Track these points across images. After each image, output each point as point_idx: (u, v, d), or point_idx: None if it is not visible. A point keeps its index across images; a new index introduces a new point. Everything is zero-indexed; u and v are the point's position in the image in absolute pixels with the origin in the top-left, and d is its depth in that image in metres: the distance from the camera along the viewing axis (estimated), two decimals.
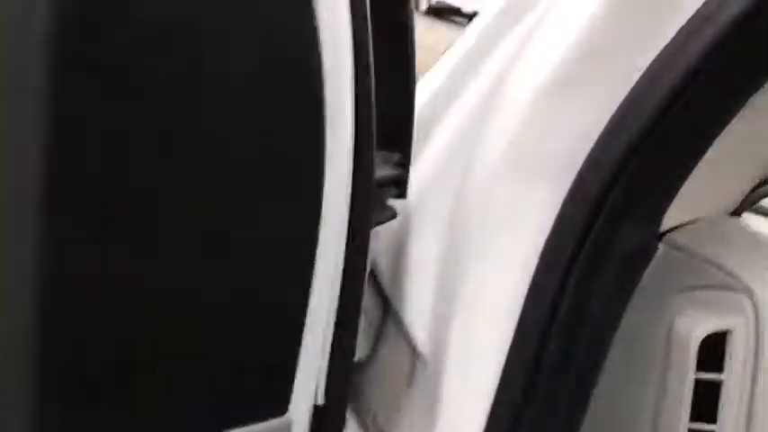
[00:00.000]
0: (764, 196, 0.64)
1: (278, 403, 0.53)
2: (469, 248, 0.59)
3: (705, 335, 0.56)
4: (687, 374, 0.56)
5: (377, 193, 0.60)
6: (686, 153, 0.55)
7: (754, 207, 0.68)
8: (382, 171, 0.60)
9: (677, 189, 0.56)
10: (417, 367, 0.67)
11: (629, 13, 0.53)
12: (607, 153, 0.54)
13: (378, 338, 0.70)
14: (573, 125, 0.55)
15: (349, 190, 0.51)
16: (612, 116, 0.54)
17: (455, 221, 0.61)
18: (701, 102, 0.52)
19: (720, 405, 0.55)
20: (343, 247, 0.52)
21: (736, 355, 0.55)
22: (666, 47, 0.52)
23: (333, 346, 0.55)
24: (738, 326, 0.56)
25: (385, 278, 0.68)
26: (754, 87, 0.52)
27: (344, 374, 0.58)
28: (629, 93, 0.53)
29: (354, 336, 0.58)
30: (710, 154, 0.55)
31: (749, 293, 0.55)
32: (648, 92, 0.52)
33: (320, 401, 0.56)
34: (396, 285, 0.67)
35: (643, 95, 0.52)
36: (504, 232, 0.58)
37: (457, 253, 0.60)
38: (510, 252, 0.57)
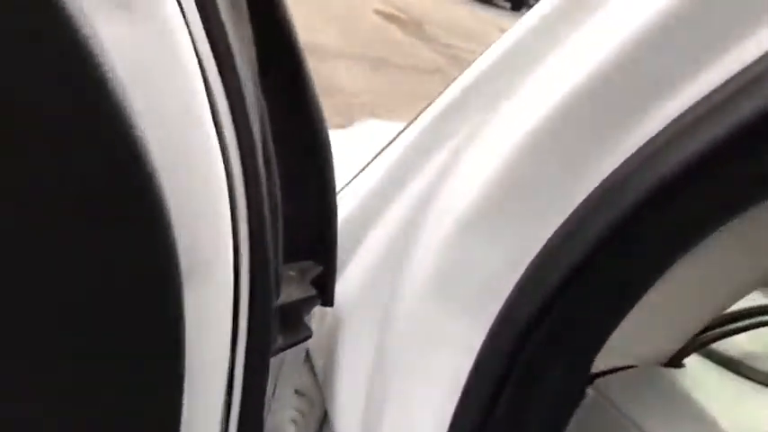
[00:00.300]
0: (712, 341, 0.60)
1: None
2: (396, 367, 0.57)
3: None
4: None
5: (291, 312, 0.57)
6: (620, 293, 0.51)
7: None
8: (298, 287, 0.58)
9: (609, 332, 0.52)
10: None
11: (562, 142, 0.49)
12: (533, 289, 0.50)
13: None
14: (498, 258, 0.52)
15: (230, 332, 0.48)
16: (540, 251, 0.50)
17: (384, 337, 0.58)
18: (642, 239, 0.48)
19: None
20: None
21: None
22: (606, 179, 0.47)
23: None
24: None
25: (320, 379, 0.66)
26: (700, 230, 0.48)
27: None
28: (558, 228, 0.49)
29: None
30: (651, 296, 0.51)
31: None
32: (579, 229, 0.48)
33: None
34: (329, 390, 0.65)
35: (571, 234, 0.48)
36: (429, 359, 0.55)
37: (385, 370, 0.57)
38: (434, 380, 0.54)
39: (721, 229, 0.47)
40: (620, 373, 0.54)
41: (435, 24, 10.33)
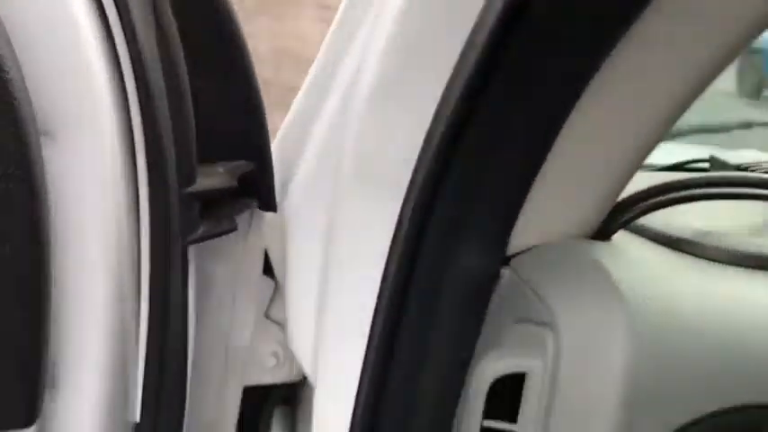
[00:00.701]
0: (637, 215, 0.50)
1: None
2: (336, 263, 0.53)
3: (494, 378, 0.46)
4: (475, 421, 0.45)
5: (212, 203, 0.56)
6: (519, 156, 0.44)
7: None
8: (221, 180, 0.56)
9: (518, 203, 0.45)
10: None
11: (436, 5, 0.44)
12: (426, 158, 0.46)
13: None
14: (403, 130, 0.47)
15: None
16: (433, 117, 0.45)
17: (325, 237, 0.55)
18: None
19: None
20: None
21: (530, 402, 0.44)
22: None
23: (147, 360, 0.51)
24: (535, 368, 0.45)
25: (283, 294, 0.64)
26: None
27: (165, 389, 0.54)
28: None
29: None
30: (554, 164, 0.45)
31: (556, 332, 0.43)
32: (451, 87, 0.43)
33: (135, 418, 0.53)
34: (286, 295, 0.62)
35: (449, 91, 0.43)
36: (361, 246, 0.51)
37: (328, 269, 0.54)
38: (363, 268, 0.50)
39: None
40: (533, 250, 0.47)
41: None
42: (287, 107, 0.66)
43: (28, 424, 0.45)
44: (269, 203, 0.59)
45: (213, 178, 0.55)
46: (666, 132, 0.46)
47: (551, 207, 0.47)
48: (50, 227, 0.45)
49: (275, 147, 0.62)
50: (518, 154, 0.45)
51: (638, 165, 0.47)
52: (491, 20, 0.39)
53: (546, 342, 0.44)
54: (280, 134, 0.64)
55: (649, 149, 0.47)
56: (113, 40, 0.47)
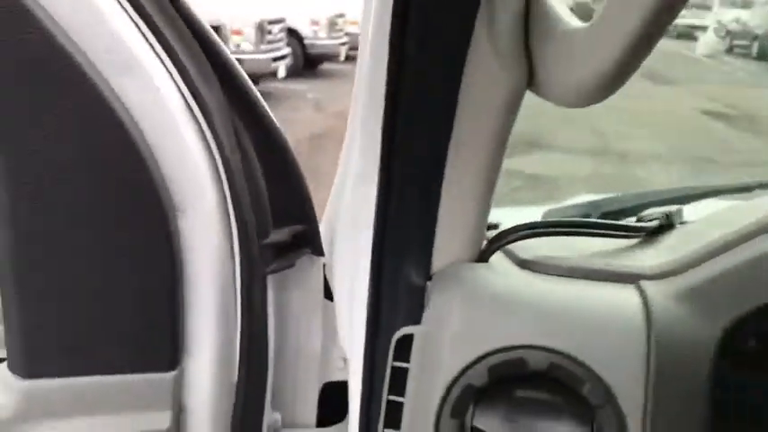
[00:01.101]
0: (504, 244, 0.77)
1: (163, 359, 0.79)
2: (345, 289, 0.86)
3: (400, 335, 0.75)
4: (388, 361, 0.74)
5: (281, 250, 0.89)
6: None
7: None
8: (285, 236, 0.90)
9: (431, 239, 0.74)
10: None
11: None
12: (378, 215, 0.78)
13: None
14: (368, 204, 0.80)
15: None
16: None
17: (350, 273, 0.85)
18: None
19: (408, 385, 0.72)
20: None
21: (417, 351, 0.73)
22: None
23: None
24: (417, 332, 0.73)
25: None
26: None
27: (252, 364, 0.84)
28: None
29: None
30: (442, 216, 0.74)
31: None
32: None
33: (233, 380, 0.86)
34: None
35: None
36: (359, 271, 0.82)
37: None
38: (358, 285, 0.82)
39: None
40: (439, 270, 0.74)
41: None
42: None
43: (171, 369, 0.80)
44: (318, 250, 0.93)
45: (280, 234, 0.89)
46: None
47: (449, 242, 0.76)
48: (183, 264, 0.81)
49: (328, 209, 0.96)
50: (420, 210, 0.75)
51: (487, 209, 0.75)
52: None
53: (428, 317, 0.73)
54: (329, 199, 0.97)
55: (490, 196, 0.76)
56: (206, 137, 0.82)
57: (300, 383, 0.98)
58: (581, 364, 0.66)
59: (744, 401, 0.82)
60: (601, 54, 0.55)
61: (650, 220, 0.88)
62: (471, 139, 0.70)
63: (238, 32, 8.55)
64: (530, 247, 0.80)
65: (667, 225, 0.85)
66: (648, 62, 0.57)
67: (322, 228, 0.93)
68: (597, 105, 0.61)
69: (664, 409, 0.64)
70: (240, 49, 8.41)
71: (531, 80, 0.67)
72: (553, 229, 0.81)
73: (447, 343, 0.70)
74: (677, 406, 0.65)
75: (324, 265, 0.95)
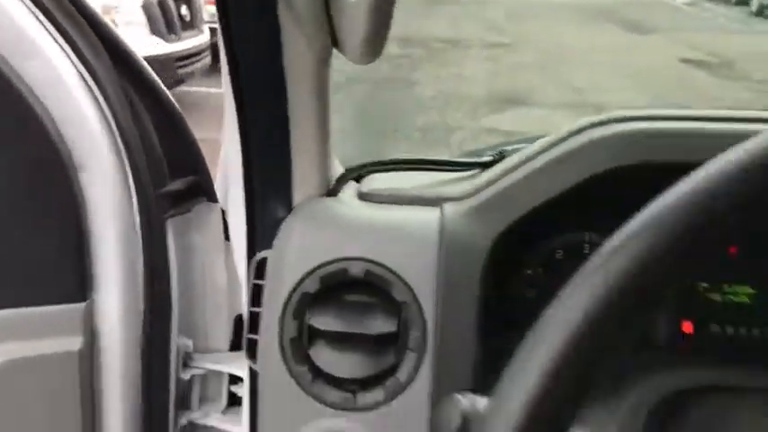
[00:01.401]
0: (348, 180, 0.93)
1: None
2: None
3: (259, 258, 0.92)
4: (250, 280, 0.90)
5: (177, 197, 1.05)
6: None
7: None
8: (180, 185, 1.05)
9: (288, 177, 0.90)
10: None
11: None
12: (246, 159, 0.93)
13: None
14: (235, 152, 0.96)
15: None
16: None
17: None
18: None
19: (263, 297, 0.89)
20: None
21: (269, 269, 0.90)
22: None
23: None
24: (270, 254, 0.91)
25: None
26: None
27: (156, 296, 0.98)
28: None
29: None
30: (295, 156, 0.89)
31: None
32: None
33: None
34: None
35: None
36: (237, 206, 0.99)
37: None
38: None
39: None
40: (297, 204, 0.90)
41: (751, 61, 9.63)
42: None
43: (82, 300, 0.96)
44: (212, 197, 1.08)
45: (175, 185, 1.04)
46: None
47: (303, 182, 0.91)
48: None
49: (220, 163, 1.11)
50: (275, 158, 0.90)
51: (326, 152, 0.91)
52: None
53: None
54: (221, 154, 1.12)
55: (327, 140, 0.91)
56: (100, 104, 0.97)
57: (210, 314, 1.13)
58: (390, 270, 0.82)
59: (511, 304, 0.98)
60: (360, 22, 0.70)
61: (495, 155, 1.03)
62: (301, 96, 0.85)
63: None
64: (374, 182, 0.96)
65: (499, 159, 1.00)
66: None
67: (219, 178, 1.09)
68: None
69: (449, 302, 0.81)
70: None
71: (335, 43, 0.82)
72: (392, 166, 0.96)
73: (288, 260, 0.86)
74: (458, 300, 0.82)
75: (223, 211, 1.11)
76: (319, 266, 0.85)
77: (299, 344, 0.86)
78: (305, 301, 0.85)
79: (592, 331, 0.36)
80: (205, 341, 1.14)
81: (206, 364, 1.11)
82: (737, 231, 0.37)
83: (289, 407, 0.87)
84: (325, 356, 0.85)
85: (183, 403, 1.11)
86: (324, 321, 0.85)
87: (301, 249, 0.86)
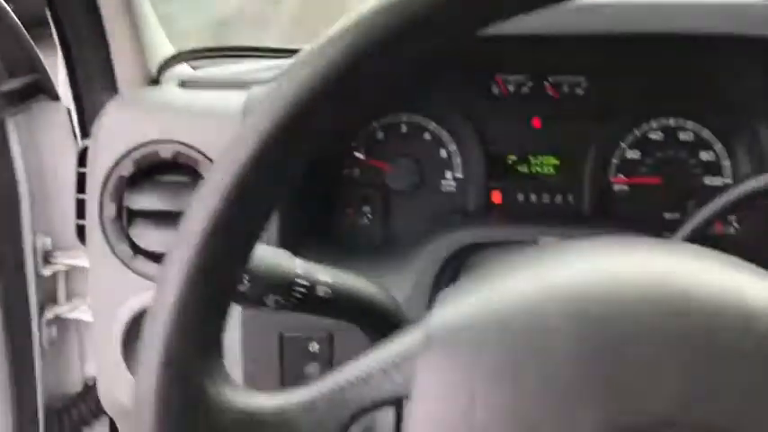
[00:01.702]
0: (167, 68, 0.97)
1: None
2: None
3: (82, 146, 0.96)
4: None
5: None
6: None
7: None
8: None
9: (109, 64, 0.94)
10: None
11: None
12: None
13: None
14: None
15: None
16: None
17: None
18: None
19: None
20: None
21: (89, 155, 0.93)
22: None
23: None
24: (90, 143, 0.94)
25: None
26: None
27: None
28: None
29: None
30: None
31: None
32: None
33: None
34: None
35: None
36: None
37: None
38: None
39: None
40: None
41: None
42: None
43: None
44: (53, 95, 1.10)
45: (12, 83, 1.07)
46: None
47: (125, 73, 0.95)
48: None
49: None
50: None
51: (138, 45, 0.94)
52: None
53: None
54: None
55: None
56: None
57: (68, 213, 1.17)
58: (198, 150, 0.86)
59: None
60: None
61: None
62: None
63: None
64: (197, 70, 0.99)
65: None
66: None
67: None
68: None
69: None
70: None
71: None
72: (216, 53, 0.99)
73: (102, 145, 0.90)
74: None
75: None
76: (132, 150, 0.88)
77: (119, 224, 0.90)
78: (121, 185, 0.89)
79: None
80: (65, 239, 1.18)
81: (67, 260, 1.16)
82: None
83: (116, 283, 0.92)
84: (143, 234, 0.89)
85: (52, 299, 1.16)
86: (139, 201, 0.89)
87: (115, 134, 0.89)
